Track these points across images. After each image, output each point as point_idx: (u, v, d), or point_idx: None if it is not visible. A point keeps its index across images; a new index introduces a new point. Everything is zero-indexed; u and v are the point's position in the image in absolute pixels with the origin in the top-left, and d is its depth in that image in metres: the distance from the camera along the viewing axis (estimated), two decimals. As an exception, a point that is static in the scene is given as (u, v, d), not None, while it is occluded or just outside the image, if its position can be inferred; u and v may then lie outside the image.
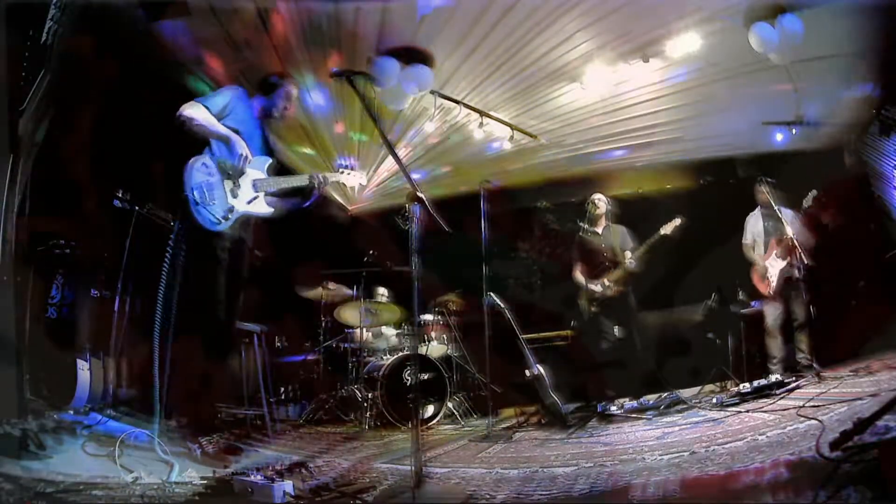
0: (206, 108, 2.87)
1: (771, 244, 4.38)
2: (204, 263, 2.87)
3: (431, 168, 5.57)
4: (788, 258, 4.23)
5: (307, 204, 3.19)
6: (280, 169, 3.13)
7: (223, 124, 2.92)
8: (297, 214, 3.24)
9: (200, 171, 2.83)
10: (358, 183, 3.28)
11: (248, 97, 3.11)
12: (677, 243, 4.36)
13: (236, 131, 2.95)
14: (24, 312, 2.96)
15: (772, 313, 4.33)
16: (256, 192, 2.99)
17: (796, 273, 4.20)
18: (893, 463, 1.43)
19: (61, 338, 3.36)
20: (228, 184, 2.90)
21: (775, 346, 4.27)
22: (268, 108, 3.15)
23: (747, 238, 4.55)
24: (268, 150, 3.14)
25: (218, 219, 2.83)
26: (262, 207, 3.02)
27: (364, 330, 4.88)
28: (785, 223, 4.23)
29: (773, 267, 4.32)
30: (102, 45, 3.42)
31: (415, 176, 5.51)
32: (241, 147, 2.90)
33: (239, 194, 2.93)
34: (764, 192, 4.38)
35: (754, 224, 4.54)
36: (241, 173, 2.93)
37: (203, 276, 2.88)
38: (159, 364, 2.71)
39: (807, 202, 4.40)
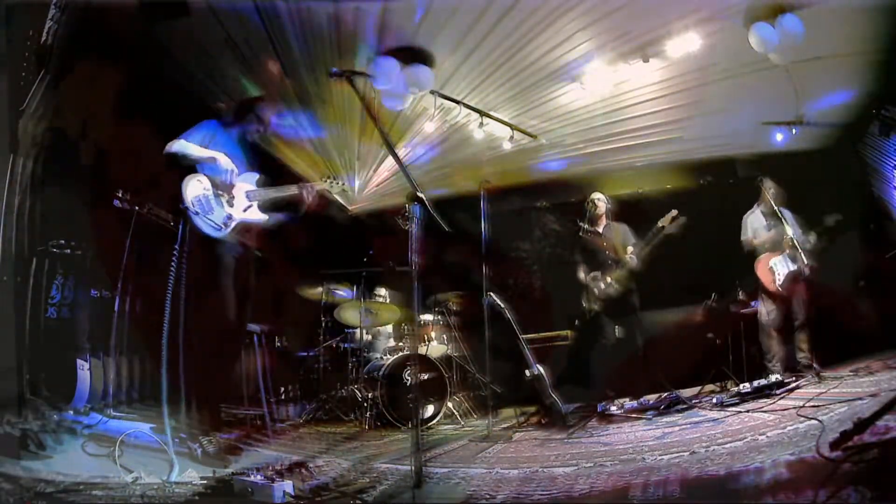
0: (188, 142, 3.03)
1: (784, 243, 4.34)
2: (210, 265, 2.98)
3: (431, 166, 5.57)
4: (795, 258, 4.22)
5: (299, 214, 3.30)
6: (269, 182, 3.25)
7: None
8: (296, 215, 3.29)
9: (196, 186, 3.00)
10: (340, 190, 3.48)
11: (223, 126, 3.24)
12: (678, 243, 4.35)
13: None
14: (24, 312, 2.97)
15: (771, 313, 4.31)
16: (250, 201, 3.14)
17: (802, 273, 4.19)
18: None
19: (61, 338, 3.37)
20: (223, 196, 3.05)
21: (775, 345, 4.25)
22: (244, 133, 3.30)
23: (748, 233, 4.51)
24: (255, 168, 3.27)
25: (218, 225, 2.99)
26: (258, 215, 3.16)
27: (364, 330, 4.88)
28: (785, 223, 4.22)
29: (780, 265, 4.31)
30: (102, 46, 3.42)
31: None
32: (227, 163, 3.07)
33: (234, 204, 3.09)
34: (764, 192, 4.38)
35: (753, 221, 4.52)
36: (232, 186, 3.09)
37: (210, 279, 2.97)
38: (168, 366, 2.73)
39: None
